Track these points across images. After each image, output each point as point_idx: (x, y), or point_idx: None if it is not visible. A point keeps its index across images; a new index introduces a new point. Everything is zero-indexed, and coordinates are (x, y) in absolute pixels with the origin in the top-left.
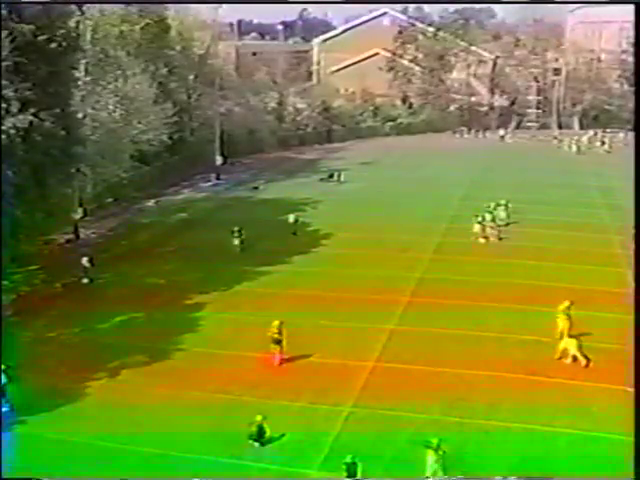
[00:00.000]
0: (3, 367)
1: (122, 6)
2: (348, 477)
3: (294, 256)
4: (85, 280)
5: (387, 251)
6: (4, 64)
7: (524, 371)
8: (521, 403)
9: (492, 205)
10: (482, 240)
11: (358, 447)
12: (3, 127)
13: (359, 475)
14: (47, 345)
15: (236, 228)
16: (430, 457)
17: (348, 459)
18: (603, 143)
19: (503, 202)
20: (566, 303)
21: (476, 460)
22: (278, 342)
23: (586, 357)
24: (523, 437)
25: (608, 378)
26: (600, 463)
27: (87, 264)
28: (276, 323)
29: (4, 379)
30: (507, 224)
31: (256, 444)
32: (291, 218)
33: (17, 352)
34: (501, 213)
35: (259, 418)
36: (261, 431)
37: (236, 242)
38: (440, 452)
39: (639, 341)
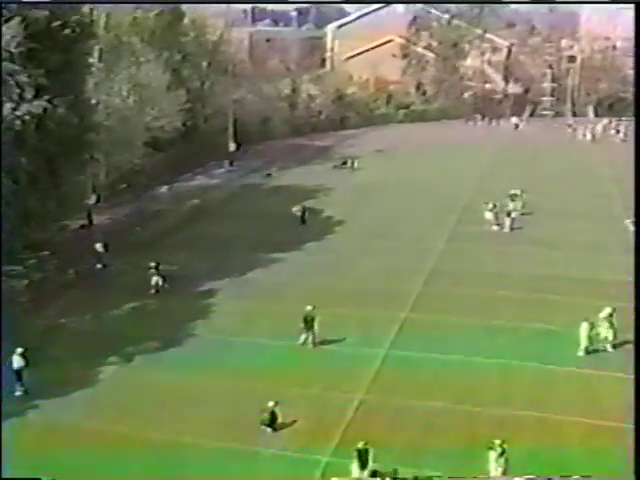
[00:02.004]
0: (20, 350)
1: None
2: (360, 464)
3: (307, 244)
4: (99, 266)
5: (399, 240)
6: (18, 50)
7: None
8: (534, 393)
9: (511, 193)
10: (495, 228)
11: (369, 435)
12: (18, 113)
13: (371, 462)
14: (59, 331)
15: (152, 263)
16: (493, 455)
17: (360, 445)
18: (618, 131)
19: (518, 192)
20: (608, 310)
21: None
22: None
23: None
24: (535, 426)
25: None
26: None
27: (101, 249)
28: (308, 308)
29: (21, 362)
30: (522, 214)
31: (268, 430)
32: (295, 209)
33: (30, 338)
34: (516, 203)
35: (271, 404)
36: (273, 417)
37: (154, 280)
38: (502, 452)
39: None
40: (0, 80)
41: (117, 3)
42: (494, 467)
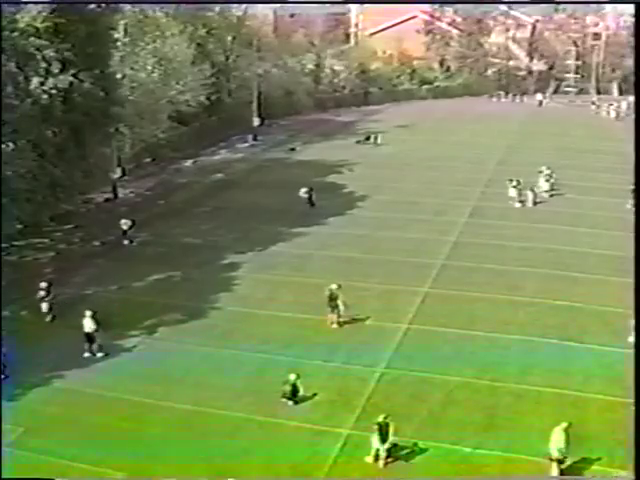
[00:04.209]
0: (90, 313)
1: None
2: (380, 437)
3: (330, 218)
4: (125, 242)
5: (422, 214)
6: (44, 25)
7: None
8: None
9: (544, 173)
10: (518, 205)
11: (390, 407)
12: (44, 87)
13: (391, 436)
14: (84, 303)
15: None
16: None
17: (380, 419)
18: None
19: (547, 171)
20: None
21: (508, 424)
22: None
23: None
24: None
25: None
26: None
27: (126, 227)
28: (333, 286)
29: (93, 326)
30: (551, 195)
31: (290, 402)
32: (303, 190)
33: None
34: (543, 183)
35: (293, 377)
36: (294, 390)
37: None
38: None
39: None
40: None
41: (123, 3)
42: None
